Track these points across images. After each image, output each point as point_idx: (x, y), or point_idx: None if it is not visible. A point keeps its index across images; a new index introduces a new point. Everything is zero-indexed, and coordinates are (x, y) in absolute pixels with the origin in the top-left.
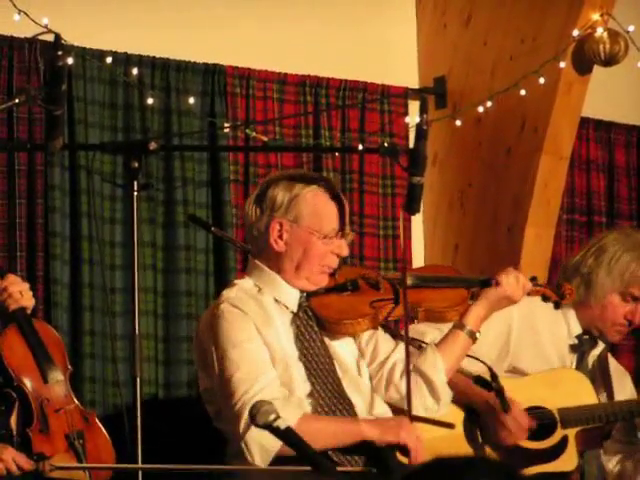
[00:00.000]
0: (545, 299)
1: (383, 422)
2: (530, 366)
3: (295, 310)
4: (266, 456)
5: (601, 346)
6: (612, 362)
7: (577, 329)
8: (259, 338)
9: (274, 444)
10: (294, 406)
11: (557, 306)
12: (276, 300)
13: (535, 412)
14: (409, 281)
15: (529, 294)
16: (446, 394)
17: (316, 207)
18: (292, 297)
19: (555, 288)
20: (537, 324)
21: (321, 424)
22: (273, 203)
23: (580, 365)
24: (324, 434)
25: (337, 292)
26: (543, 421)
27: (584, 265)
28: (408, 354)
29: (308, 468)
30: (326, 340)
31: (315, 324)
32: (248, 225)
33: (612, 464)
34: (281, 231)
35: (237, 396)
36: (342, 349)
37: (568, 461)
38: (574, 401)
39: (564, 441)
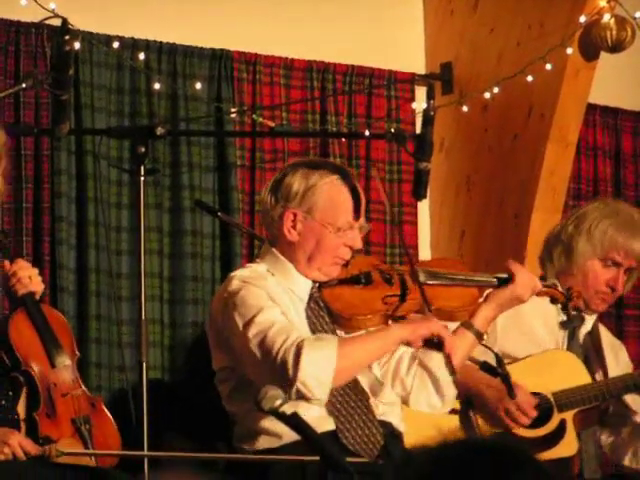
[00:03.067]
0: (553, 301)
1: (410, 321)
2: (520, 351)
3: (306, 300)
4: (325, 388)
5: (590, 323)
6: (605, 336)
7: None
8: (277, 307)
9: (327, 374)
10: (329, 337)
11: (564, 308)
12: (289, 289)
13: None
14: (421, 277)
15: (538, 295)
16: (451, 391)
17: (331, 199)
18: (304, 287)
19: (564, 290)
20: (521, 307)
21: (358, 343)
22: (288, 193)
23: (572, 342)
24: (364, 350)
25: (350, 284)
26: (539, 407)
27: (564, 233)
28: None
29: (316, 458)
30: (337, 331)
31: (327, 315)
32: (263, 211)
33: (605, 435)
34: (294, 221)
35: (277, 346)
36: None
37: (568, 446)
38: (568, 383)
39: (562, 425)
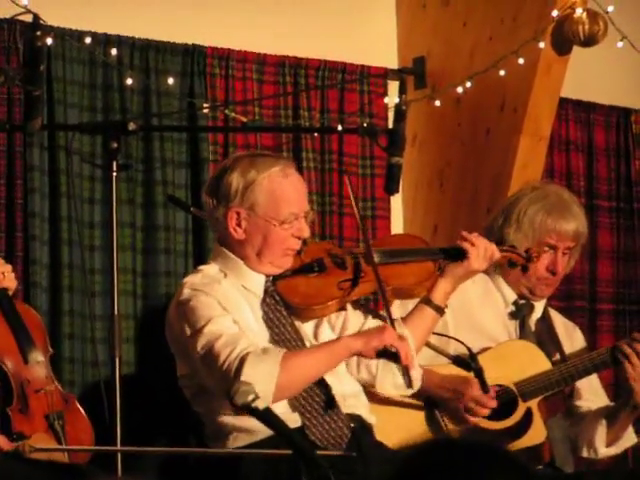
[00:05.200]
0: (512, 264)
1: (364, 332)
2: (474, 346)
3: (261, 295)
4: (264, 403)
5: (540, 308)
6: (557, 319)
7: (511, 295)
8: (229, 315)
9: (268, 389)
10: (274, 351)
11: (525, 269)
12: (242, 286)
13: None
14: (375, 258)
15: (497, 260)
16: (416, 371)
17: (272, 193)
18: (258, 282)
19: (522, 251)
20: (469, 303)
21: (305, 356)
22: (228, 192)
23: (523, 331)
24: (311, 363)
25: (303, 273)
26: (502, 399)
27: (495, 228)
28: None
29: (288, 452)
30: (296, 323)
31: (283, 308)
32: (207, 213)
33: (570, 426)
34: (239, 219)
35: (222, 358)
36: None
37: (537, 434)
38: (528, 372)
39: (528, 414)
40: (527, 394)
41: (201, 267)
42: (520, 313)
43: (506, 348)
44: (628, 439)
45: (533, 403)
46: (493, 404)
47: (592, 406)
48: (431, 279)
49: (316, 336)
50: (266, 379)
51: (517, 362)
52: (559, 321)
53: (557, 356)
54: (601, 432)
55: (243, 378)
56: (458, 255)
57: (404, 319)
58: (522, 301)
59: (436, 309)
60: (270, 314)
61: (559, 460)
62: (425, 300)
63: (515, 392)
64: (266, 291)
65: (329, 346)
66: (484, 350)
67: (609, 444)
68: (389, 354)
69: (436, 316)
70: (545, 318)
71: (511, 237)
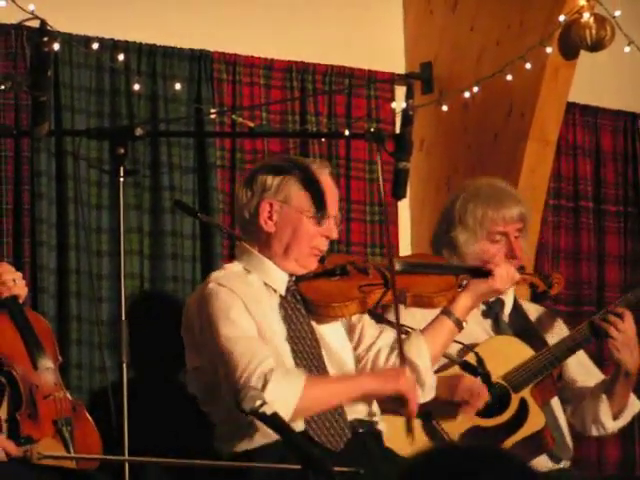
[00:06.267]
0: (533, 287)
1: (382, 373)
2: (455, 349)
3: (283, 293)
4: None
5: (510, 302)
6: (531, 308)
7: None
8: (250, 315)
9: (287, 409)
10: (296, 372)
11: (545, 295)
12: (265, 284)
13: None
14: (397, 267)
15: (517, 284)
16: (430, 378)
17: (307, 188)
18: (281, 280)
19: (543, 277)
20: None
21: (325, 385)
22: (264, 184)
23: (499, 327)
24: (330, 394)
25: (326, 277)
26: (494, 395)
27: (441, 235)
28: (400, 334)
29: (297, 467)
30: (314, 324)
31: (303, 307)
32: (239, 208)
33: (568, 411)
34: (271, 211)
35: (241, 368)
36: (329, 333)
37: (536, 420)
38: (514, 364)
39: (524, 404)
40: (517, 385)
41: (225, 265)
42: (492, 310)
43: (488, 346)
44: (632, 407)
45: (525, 392)
46: (485, 393)
47: (589, 384)
48: (452, 290)
49: (346, 354)
50: (288, 399)
51: (501, 357)
52: (531, 309)
53: (538, 343)
54: (604, 407)
55: (266, 394)
56: (482, 274)
57: (423, 329)
58: (491, 299)
59: (456, 322)
60: (289, 311)
61: (556, 448)
62: (446, 311)
63: (506, 386)
64: (287, 289)
65: (349, 380)
66: (467, 352)
67: (615, 417)
68: (398, 399)
69: (455, 329)
70: (517, 309)
71: (460, 238)
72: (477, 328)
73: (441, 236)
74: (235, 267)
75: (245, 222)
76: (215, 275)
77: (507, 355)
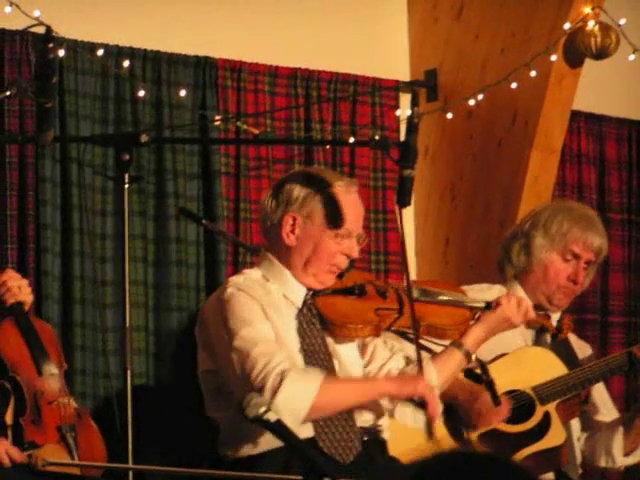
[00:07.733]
0: (544, 329)
1: (400, 377)
2: (492, 353)
3: (300, 306)
4: (296, 422)
5: (556, 319)
6: (570, 335)
7: None
8: (268, 320)
9: (303, 409)
10: (313, 371)
11: (554, 338)
12: (283, 295)
13: (511, 395)
14: (415, 294)
15: (529, 323)
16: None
17: (331, 206)
18: (298, 293)
19: (556, 322)
20: None
21: (343, 384)
22: (289, 197)
23: (539, 339)
24: (347, 393)
25: (344, 294)
26: (520, 403)
27: (521, 232)
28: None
29: (299, 478)
30: (327, 338)
31: (318, 322)
32: (263, 216)
33: (583, 438)
34: (294, 225)
35: (258, 368)
36: (342, 348)
37: (556, 435)
38: (545, 376)
39: (547, 417)
40: (545, 398)
41: (245, 270)
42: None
43: (523, 354)
44: None
45: (551, 407)
46: (504, 415)
47: (606, 419)
48: (465, 324)
49: (357, 370)
50: (304, 397)
51: (534, 367)
52: (572, 337)
53: (572, 364)
54: (618, 440)
55: (281, 392)
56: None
57: (432, 358)
58: (540, 312)
59: (465, 354)
60: (304, 324)
61: (567, 466)
62: (456, 344)
63: (532, 396)
64: (304, 302)
65: (366, 382)
66: (501, 356)
67: (627, 453)
68: (417, 402)
69: (464, 360)
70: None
71: (537, 240)
72: (517, 336)
73: (520, 232)
74: (254, 274)
75: (267, 230)
76: (234, 280)
77: (540, 367)
